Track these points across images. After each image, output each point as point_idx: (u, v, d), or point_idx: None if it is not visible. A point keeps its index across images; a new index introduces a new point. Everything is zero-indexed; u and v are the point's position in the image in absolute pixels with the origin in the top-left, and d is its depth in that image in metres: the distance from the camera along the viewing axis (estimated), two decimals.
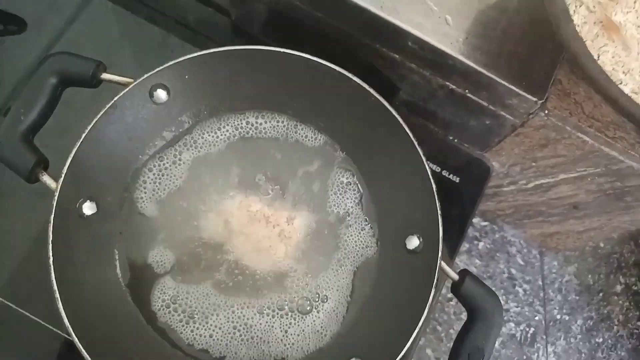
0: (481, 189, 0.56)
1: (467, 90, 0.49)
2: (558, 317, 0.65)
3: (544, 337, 0.63)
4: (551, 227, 0.63)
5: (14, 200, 0.51)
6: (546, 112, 0.47)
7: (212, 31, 0.58)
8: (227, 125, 0.48)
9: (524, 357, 0.62)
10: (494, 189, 0.61)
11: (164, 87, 0.44)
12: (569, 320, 0.65)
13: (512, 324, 0.63)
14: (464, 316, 0.61)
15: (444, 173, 0.56)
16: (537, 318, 0.64)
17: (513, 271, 0.65)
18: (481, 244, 0.66)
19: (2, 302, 0.48)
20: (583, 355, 0.63)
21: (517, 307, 0.64)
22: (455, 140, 0.57)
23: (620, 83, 0.38)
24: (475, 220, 0.67)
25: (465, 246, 0.65)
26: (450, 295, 0.63)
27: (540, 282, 0.66)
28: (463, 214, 0.56)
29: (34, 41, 0.56)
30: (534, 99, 0.46)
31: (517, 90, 0.46)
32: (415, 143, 0.43)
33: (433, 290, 0.40)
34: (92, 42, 0.57)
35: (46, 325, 0.47)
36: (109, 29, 0.59)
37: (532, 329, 0.63)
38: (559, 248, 0.66)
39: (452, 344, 0.55)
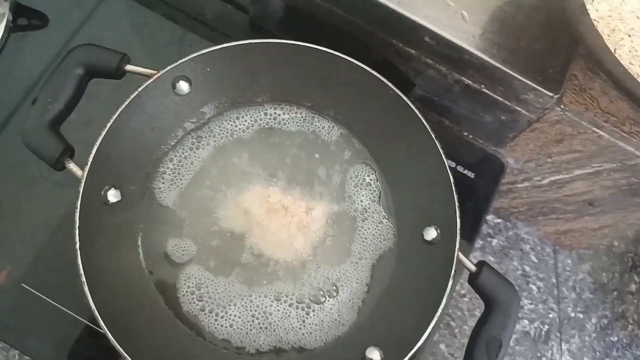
0: (496, 184, 0.57)
1: (482, 86, 0.50)
2: (572, 315, 0.65)
3: (558, 334, 0.63)
4: (565, 225, 0.63)
5: (37, 190, 0.52)
6: (562, 107, 0.47)
7: (229, 28, 0.59)
8: (247, 117, 0.49)
9: (538, 354, 0.62)
10: (508, 185, 0.61)
11: (186, 79, 0.45)
12: (584, 319, 0.65)
13: (526, 321, 0.63)
14: (478, 312, 0.61)
15: (459, 168, 0.56)
16: (551, 316, 0.64)
17: (527, 269, 0.65)
18: (495, 241, 0.66)
19: (26, 289, 0.49)
20: (598, 353, 0.63)
21: (531, 304, 0.64)
22: (470, 136, 0.58)
23: (638, 76, 0.38)
24: (489, 217, 0.67)
25: (479, 243, 0.66)
26: (463, 291, 0.63)
27: (554, 280, 0.65)
28: (478, 209, 0.56)
29: (56, 35, 0.58)
30: (550, 94, 0.46)
31: (532, 85, 0.46)
32: (433, 135, 0.44)
33: (451, 281, 0.40)
34: (112, 37, 0.58)
35: (67, 311, 0.48)
36: (128, 26, 0.60)
37: (546, 327, 0.63)
38: (573, 246, 0.66)
39: (466, 340, 0.55)
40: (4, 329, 0.48)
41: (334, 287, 0.46)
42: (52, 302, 0.48)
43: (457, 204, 0.42)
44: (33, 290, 0.49)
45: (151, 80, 0.43)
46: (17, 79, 0.56)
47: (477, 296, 0.62)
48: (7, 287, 0.49)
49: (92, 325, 0.48)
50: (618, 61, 0.38)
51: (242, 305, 0.45)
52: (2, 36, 0.57)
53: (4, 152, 0.53)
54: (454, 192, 0.42)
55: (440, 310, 0.39)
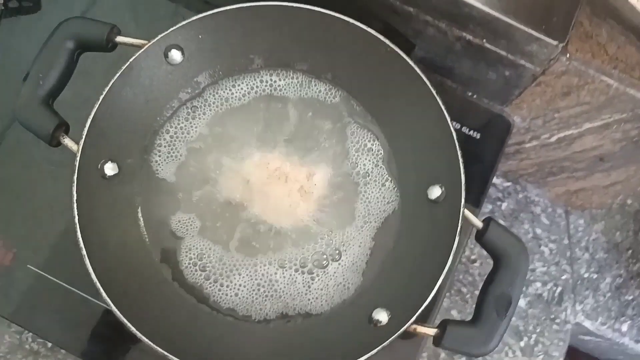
0: (502, 144, 0.55)
1: (484, 40, 0.48)
2: (586, 275, 0.63)
3: (572, 296, 0.62)
4: (576, 184, 0.62)
5: (37, 172, 0.52)
6: (568, 56, 0.45)
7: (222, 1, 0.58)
8: (242, 84, 0.48)
9: (552, 316, 0.61)
10: (515, 146, 0.60)
11: (179, 48, 0.44)
12: (597, 279, 0.63)
13: (539, 284, 0.62)
14: None
15: (464, 130, 0.55)
16: (564, 277, 0.63)
17: (538, 231, 0.64)
18: (504, 205, 0.65)
19: (32, 270, 0.49)
20: (612, 312, 0.62)
21: (543, 266, 0.63)
22: (474, 96, 0.57)
23: None
24: (497, 181, 0.65)
25: (488, 207, 0.64)
26: (474, 256, 0.62)
27: (566, 241, 0.64)
28: (485, 171, 0.55)
29: (49, 17, 0.57)
30: (555, 43, 0.44)
31: (536, 34, 0.44)
32: (434, 92, 0.43)
33: (457, 238, 0.39)
34: (104, 16, 0.57)
35: (76, 291, 0.48)
36: (123, 6, 0.59)
37: (560, 288, 0.62)
38: (585, 206, 0.65)
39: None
40: (14, 311, 0.48)
41: (338, 252, 0.46)
42: (60, 283, 0.48)
43: (460, 159, 0.41)
44: (40, 272, 0.49)
45: (142, 50, 0.43)
46: (12, 63, 0.56)
47: (488, 261, 0.62)
48: (13, 269, 0.49)
49: (101, 304, 0.48)
50: None
51: (247, 275, 0.45)
52: None
53: (3, 136, 0.53)
54: (457, 147, 0.41)
55: (447, 268, 0.38)
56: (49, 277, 0.49)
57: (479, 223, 0.41)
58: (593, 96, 0.48)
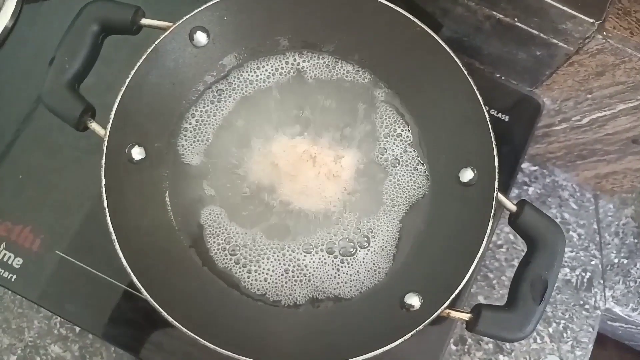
0: (532, 126, 0.54)
1: (515, 19, 0.47)
2: (615, 261, 0.62)
3: (601, 281, 0.61)
4: (606, 167, 0.60)
5: (62, 158, 0.52)
6: (604, 34, 0.44)
7: None
8: (268, 66, 0.48)
9: (581, 302, 0.60)
10: (544, 129, 0.59)
11: (204, 30, 0.44)
12: (628, 264, 0.62)
13: (567, 269, 0.61)
14: (516, 262, 0.59)
15: (493, 112, 0.54)
16: (593, 262, 0.62)
17: (566, 216, 0.63)
18: (531, 189, 0.64)
19: (60, 256, 0.49)
20: None
21: (571, 252, 0.62)
22: (503, 78, 0.55)
23: None
24: (524, 165, 0.64)
25: (514, 192, 0.63)
26: (500, 242, 0.61)
27: (595, 226, 0.63)
28: (514, 154, 0.54)
29: (70, 3, 0.57)
30: (591, 20, 0.43)
31: (571, 11, 0.43)
32: (465, 72, 0.42)
33: (491, 221, 0.39)
34: None
35: (103, 276, 0.48)
36: None
37: (589, 274, 0.61)
38: (615, 190, 0.63)
39: (505, 291, 0.53)
40: (43, 295, 0.49)
41: (367, 237, 0.45)
42: (88, 268, 0.49)
43: (494, 141, 0.40)
44: (68, 257, 0.49)
45: (167, 32, 0.42)
46: (36, 50, 0.56)
47: (515, 247, 0.61)
48: (41, 254, 0.49)
49: (129, 289, 0.48)
50: None
51: (275, 259, 0.44)
52: (15, 7, 0.56)
53: (29, 123, 0.53)
54: (490, 129, 0.40)
55: (481, 252, 0.38)
56: (76, 262, 0.49)
57: (512, 206, 0.40)
58: (630, 75, 0.46)
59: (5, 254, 0.49)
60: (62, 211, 0.50)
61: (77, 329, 0.52)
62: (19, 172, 0.52)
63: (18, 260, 0.49)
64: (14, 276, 0.49)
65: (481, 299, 0.59)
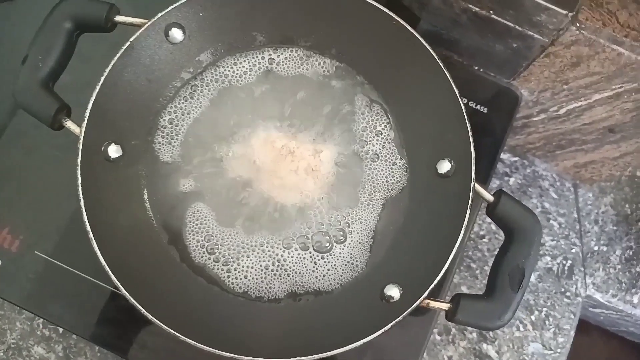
0: (511, 118, 0.55)
1: (491, 11, 0.47)
2: (595, 248, 0.63)
3: (582, 269, 0.62)
4: (585, 156, 0.61)
5: (39, 157, 0.51)
6: (577, 25, 0.44)
7: None
8: (245, 62, 0.47)
9: (562, 289, 0.61)
10: (523, 120, 0.59)
11: (179, 26, 0.43)
12: (607, 251, 0.63)
13: (549, 258, 0.62)
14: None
15: (471, 104, 0.54)
16: (573, 250, 0.62)
17: (547, 205, 0.64)
18: (512, 180, 0.64)
19: (39, 256, 0.49)
20: (624, 284, 0.62)
21: (552, 240, 0.63)
22: (481, 70, 0.55)
23: None
24: (504, 156, 0.65)
25: (495, 183, 0.64)
26: (482, 232, 0.62)
27: (575, 215, 0.64)
28: (493, 146, 0.55)
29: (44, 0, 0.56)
30: (564, 12, 0.43)
31: (545, 4, 0.43)
32: (442, 65, 0.42)
33: (468, 212, 0.39)
34: None
35: (84, 276, 0.48)
36: None
37: (569, 262, 0.62)
38: (594, 179, 0.64)
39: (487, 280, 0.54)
40: (24, 297, 0.48)
41: (346, 230, 0.45)
42: (68, 268, 0.48)
43: (470, 132, 0.40)
44: (48, 258, 0.49)
45: (142, 29, 0.42)
46: (10, 49, 0.55)
47: (497, 237, 0.61)
48: (20, 255, 0.49)
49: (112, 289, 0.48)
50: None
51: (255, 256, 0.44)
52: None
53: (4, 123, 0.52)
54: (467, 121, 0.40)
55: (459, 242, 0.38)
56: (56, 262, 0.48)
57: (489, 196, 0.40)
58: (603, 66, 0.47)
59: None
60: (40, 211, 0.50)
61: (61, 329, 0.52)
62: None
63: None
64: None
65: (464, 289, 0.60)
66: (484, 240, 0.62)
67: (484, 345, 0.58)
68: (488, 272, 0.59)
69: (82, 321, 0.48)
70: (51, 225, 0.49)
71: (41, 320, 0.52)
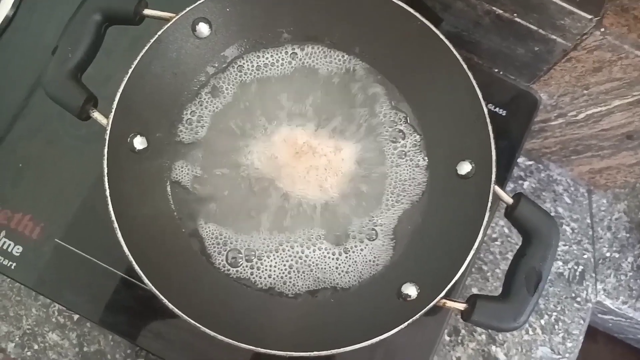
0: (529, 121, 0.55)
1: (515, 14, 0.47)
2: (607, 254, 0.63)
3: (593, 275, 0.62)
4: (601, 162, 0.61)
5: (62, 147, 0.52)
6: (602, 30, 0.44)
7: None
8: (269, 58, 0.48)
9: (573, 294, 0.61)
10: (540, 124, 0.59)
11: (206, 21, 0.44)
12: (619, 258, 0.63)
13: (560, 262, 0.62)
14: (510, 255, 0.60)
15: (490, 107, 0.54)
16: (585, 256, 0.63)
17: (560, 210, 0.64)
18: (526, 184, 0.64)
19: (60, 244, 0.50)
20: (634, 292, 0.62)
21: (564, 245, 0.63)
22: (501, 72, 0.56)
23: None
24: (520, 159, 0.65)
25: (509, 186, 0.64)
26: (495, 235, 0.62)
27: (588, 221, 0.64)
28: (510, 149, 0.55)
29: None
30: (589, 17, 0.43)
31: (570, 8, 0.43)
32: (465, 66, 0.42)
33: (487, 213, 0.39)
34: None
35: (102, 264, 0.49)
36: None
37: (581, 267, 0.62)
38: (608, 185, 0.64)
39: (498, 283, 0.54)
40: (42, 283, 0.49)
41: (367, 227, 0.45)
42: (87, 256, 0.49)
43: (491, 134, 0.40)
44: (67, 245, 0.50)
45: (170, 23, 0.42)
46: (36, 41, 0.56)
47: (509, 240, 0.61)
48: (41, 242, 0.50)
49: (128, 277, 0.48)
50: None
51: (277, 254, 0.44)
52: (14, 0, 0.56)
53: (29, 112, 0.53)
54: (488, 123, 0.40)
55: (477, 243, 0.38)
56: (75, 250, 0.49)
57: (509, 199, 0.40)
58: (626, 72, 0.47)
59: (5, 242, 0.50)
60: (61, 200, 0.51)
61: (75, 316, 0.53)
62: (19, 161, 0.52)
63: (18, 248, 0.49)
64: (14, 264, 0.49)
65: (475, 291, 0.60)
66: (496, 242, 0.62)
67: (493, 348, 0.59)
68: (499, 275, 0.60)
69: (97, 308, 0.49)
70: (71, 213, 0.50)
71: (57, 307, 0.53)
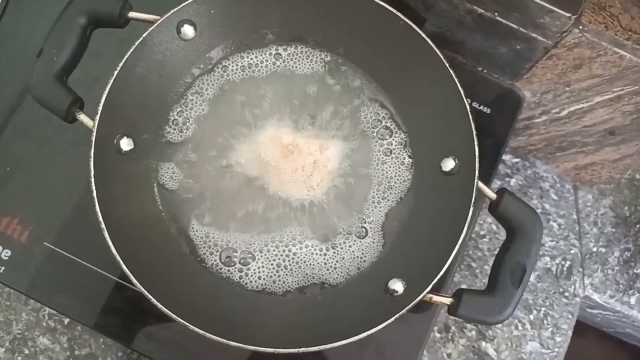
0: (513, 119, 0.55)
1: (496, 13, 0.48)
2: (594, 249, 0.64)
3: (581, 269, 0.63)
4: (585, 158, 0.62)
5: (51, 150, 0.52)
6: (580, 27, 0.45)
7: None
8: (254, 59, 0.48)
9: (560, 289, 0.62)
10: (525, 121, 0.60)
11: (191, 23, 0.44)
12: (606, 253, 0.64)
13: (548, 258, 0.63)
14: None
15: (475, 105, 0.55)
16: (572, 251, 0.63)
17: (547, 206, 0.65)
18: (513, 181, 0.65)
19: (49, 247, 0.49)
20: (621, 286, 0.63)
21: (552, 241, 0.63)
22: (485, 71, 0.56)
23: None
24: (506, 157, 0.66)
25: (496, 184, 0.65)
26: (483, 232, 0.63)
27: (574, 216, 0.65)
28: (495, 146, 0.55)
29: None
30: (568, 15, 0.44)
31: (549, 6, 0.44)
32: (448, 65, 0.43)
33: (471, 209, 0.40)
34: None
35: (92, 267, 0.49)
36: None
37: (568, 262, 0.63)
38: (594, 181, 0.65)
39: (487, 279, 0.55)
40: (31, 286, 0.49)
41: (353, 224, 0.46)
42: (76, 259, 0.49)
43: (474, 131, 0.41)
44: (56, 249, 0.49)
45: (155, 25, 0.43)
46: (24, 43, 0.56)
47: (497, 237, 0.62)
48: (30, 246, 0.50)
49: (118, 280, 0.49)
50: None
51: (265, 253, 0.45)
52: (2, 0, 0.56)
53: (16, 115, 0.53)
54: (471, 119, 0.41)
55: (462, 238, 0.39)
56: (64, 253, 0.49)
57: (492, 194, 0.41)
58: (605, 69, 0.48)
59: None
60: (50, 203, 0.51)
61: (66, 320, 0.53)
62: (6, 164, 0.52)
63: (6, 252, 0.49)
64: (2, 268, 0.49)
65: (464, 287, 0.61)
66: (484, 239, 0.63)
67: (483, 344, 0.59)
68: (488, 271, 0.60)
69: (88, 311, 0.49)
70: (60, 216, 0.50)
71: (47, 311, 0.53)
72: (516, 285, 0.39)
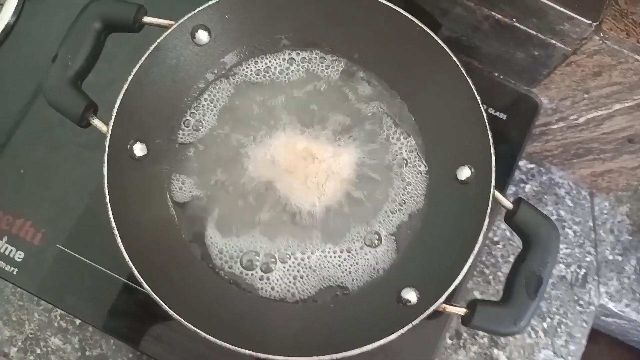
0: (529, 125, 0.55)
1: (514, 19, 0.47)
2: (610, 257, 0.63)
3: (596, 278, 0.62)
4: (602, 165, 0.61)
5: (64, 154, 0.52)
6: (601, 35, 0.44)
7: None
8: (268, 64, 0.48)
9: (575, 297, 0.61)
10: (541, 127, 0.59)
11: (205, 28, 0.44)
12: (622, 261, 0.63)
13: (562, 266, 0.62)
14: (512, 259, 0.60)
15: (491, 111, 0.55)
16: (588, 259, 0.62)
17: (562, 213, 0.64)
18: (528, 187, 0.64)
19: (61, 249, 0.50)
20: (637, 294, 0.62)
21: (567, 248, 0.62)
22: (501, 77, 0.56)
23: None
24: (521, 163, 0.65)
25: (511, 189, 0.64)
26: (496, 238, 0.62)
27: (590, 224, 0.64)
28: (511, 153, 0.55)
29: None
30: (588, 22, 0.43)
31: (569, 13, 0.43)
32: (464, 71, 0.42)
33: (487, 219, 0.39)
34: None
35: (104, 270, 0.49)
36: None
37: (583, 270, 0.62)
38: (611, 188, 0.64)
39: (500, 287, 0.54)
40: (44, 288, 0.49)
41: (368, 232, 0.46)
42: (88, 261, 0.49)
43: (491, 140, 0.40)
44: (69, 251, 0.50)
45: (169, 30, 0.43)
46: (38, 47, 0.56)
47: (511, 243, 0.61)
48: (43, 248, 0.50)
49: (129, 282, 0.49)
50: None
51: (280, 266, 0.44)
52: (17, 4, 0.56)
53: (30, 119, 0.54)
54: (488, 128, 0.40)
55: (476, 249, 0.38)
56: (76, 255, 0.49)
57: (509, 204, 0.40)
58: (626, 76, 0.47)
59: (7, 248, 0.50)
60: (62, 206, 0.51)
61: (77, 321, 0.53)
62: (20, 167, 0.52)
63: (20, 254, 0.50)
64: (16, 269, 0.49)
65: (477, 295, 0.60)
66: (498, 246, 0.62)
67: (495, 351, 0.59)
68: (501, 278, 0.60)
69: (98, 313, 0.49)
70: (72, 219, 0.50)
71: (59, 312, 0.53)
72: (532, 296, 0.38)
